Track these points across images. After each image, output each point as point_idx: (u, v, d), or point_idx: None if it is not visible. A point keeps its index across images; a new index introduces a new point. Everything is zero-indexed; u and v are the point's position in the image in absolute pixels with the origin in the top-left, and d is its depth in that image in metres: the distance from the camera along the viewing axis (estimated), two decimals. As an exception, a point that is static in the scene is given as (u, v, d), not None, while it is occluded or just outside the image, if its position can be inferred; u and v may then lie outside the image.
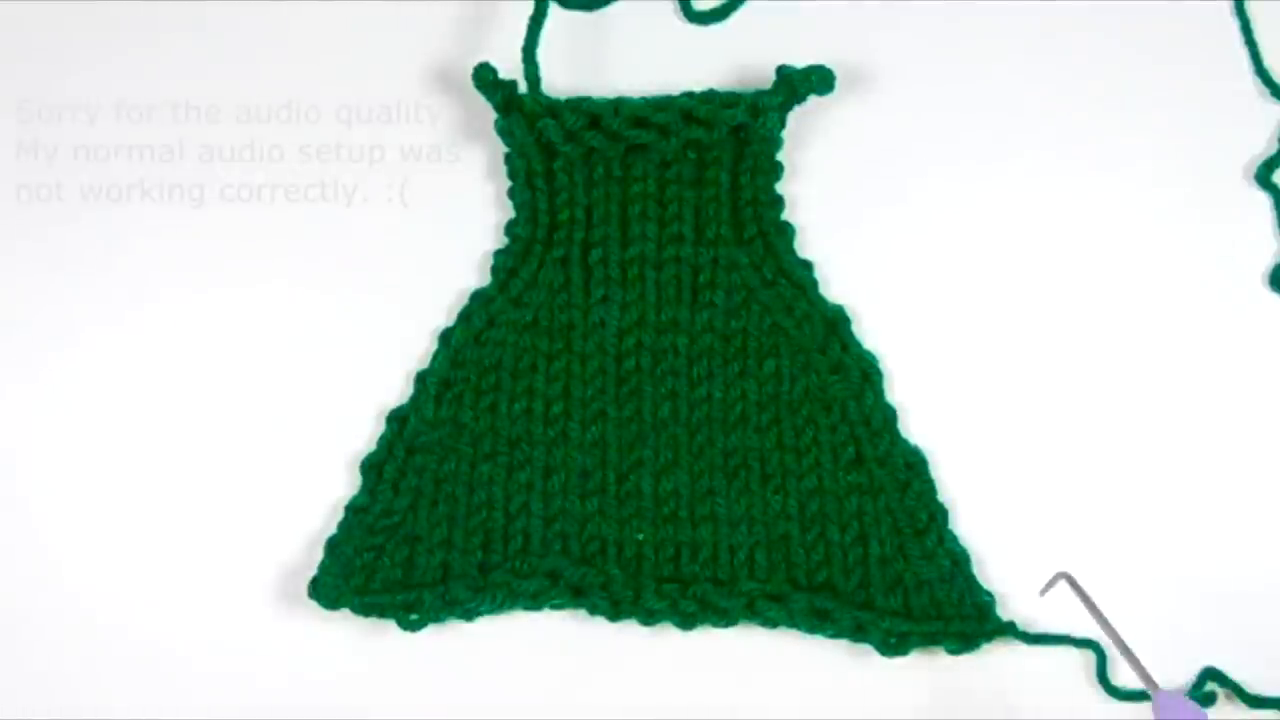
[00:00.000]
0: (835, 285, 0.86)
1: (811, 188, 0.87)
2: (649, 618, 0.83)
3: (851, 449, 0.84)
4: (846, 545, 0.83)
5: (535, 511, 0.84)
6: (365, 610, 0.83)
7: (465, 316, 0.86)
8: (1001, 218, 0.86)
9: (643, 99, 0.85)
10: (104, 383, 0.86)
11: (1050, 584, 0.79)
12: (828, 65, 0.85)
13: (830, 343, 0.85)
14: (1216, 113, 0.87)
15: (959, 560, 0.83)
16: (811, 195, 0.87)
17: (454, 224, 0.87)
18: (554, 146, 0.85)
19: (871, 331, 0.85)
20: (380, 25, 0.89)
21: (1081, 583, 0.79)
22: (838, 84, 0.85)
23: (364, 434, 0.86)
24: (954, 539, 0.83)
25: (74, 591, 0.85)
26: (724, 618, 0.83)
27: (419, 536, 0.84)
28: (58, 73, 0.89)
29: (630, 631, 0.83)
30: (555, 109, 0.85)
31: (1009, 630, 0.82)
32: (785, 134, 0.86)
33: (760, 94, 0.84)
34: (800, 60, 0.85)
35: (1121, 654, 0.77)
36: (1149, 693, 0.76)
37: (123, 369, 0.86)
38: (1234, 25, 0.88)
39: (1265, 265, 0.86)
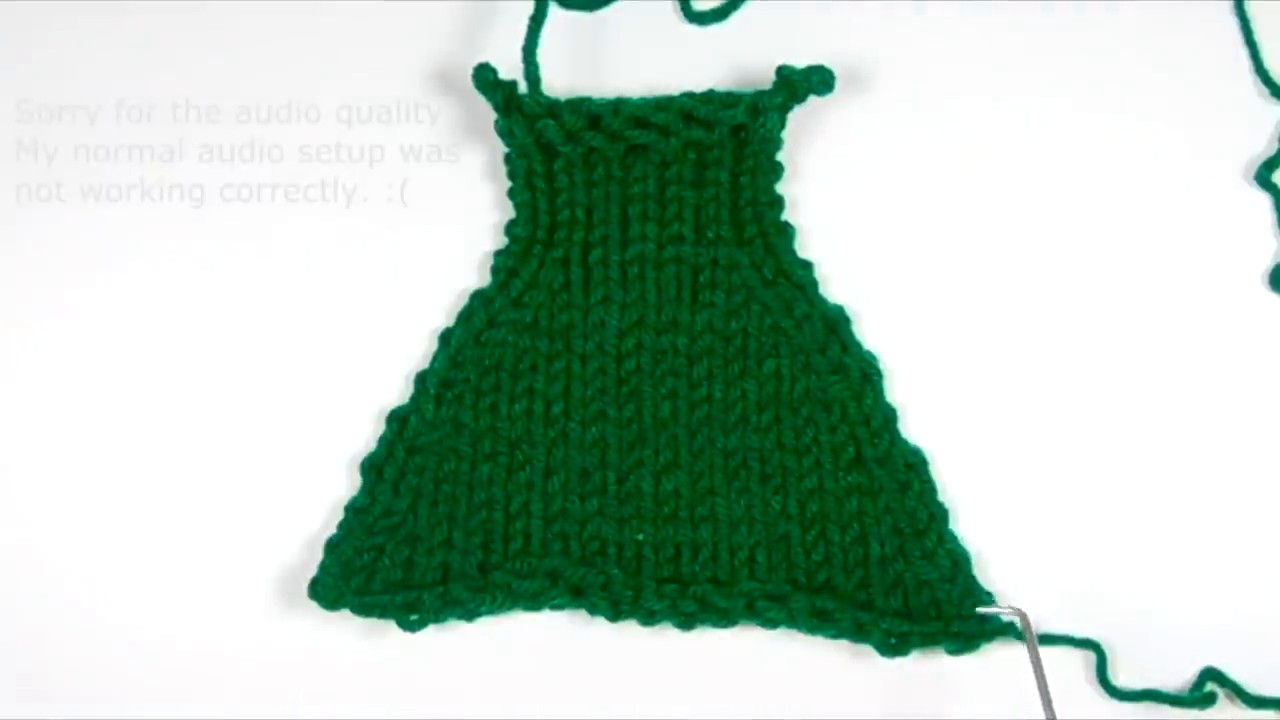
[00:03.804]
0: (835, 285, 0.86)
1: (811, 188, 0.87)
2: (649, 618, 0.83)
3: (851, 449, 0.84)
4: (846, 545, 0.83)
5: (535, 512, 0.84)
6: (365, 610, 0.83)
7: (465, 316, 0.86)
8: (1001, 217, 0.86)
9: (643, 99, 0.85)
10: (104, 382, 0.86)
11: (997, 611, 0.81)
12: (828, 65, 0.85)
13: (830, 343, 0.85)
14: (1216, 113, 0.87)
15: (959, 560, 0.83)
16: (811, 195, 0.87)
17: (454, 224, 0.87)
18: (554, 146, 0.85)
19: (871, 331, 0.85)
20: (380, 25, 0.89)
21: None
22: (838, 84, 0.85)
23: (364, 434, 0.85)
24: (954, 539, 0.83)
25: (75, 592, 0.85)
26: (724, 618, 0.83)
27: (419, 537, 0.84)
28: (58, 73, 0.89)
29: (630, 631, 0.83)
30: (555, 109, 0.85)
31: (1009, 630, 0.82)
32: (785, 134, 0.86)
33: (760, 94, 0.84)
34: (800, 60, 0.85)
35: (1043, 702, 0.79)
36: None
37: (123, 369, 0.86)
38: (1234, 25, 0.88)
39: (1265, 265, 0.86)
